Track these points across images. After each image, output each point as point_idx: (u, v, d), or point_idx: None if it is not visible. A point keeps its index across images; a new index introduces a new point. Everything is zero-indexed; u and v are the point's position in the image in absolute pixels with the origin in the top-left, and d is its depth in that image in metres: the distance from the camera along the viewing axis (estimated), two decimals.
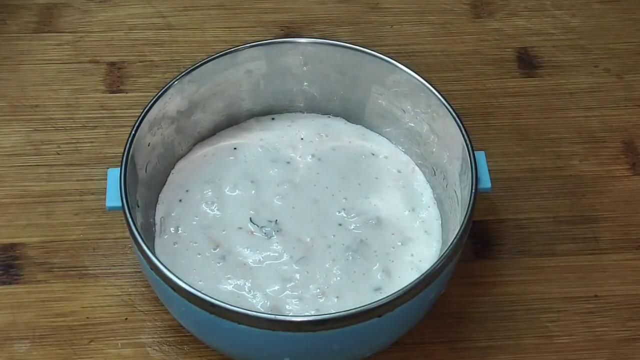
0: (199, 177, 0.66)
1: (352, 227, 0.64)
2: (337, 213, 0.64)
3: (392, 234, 0.64)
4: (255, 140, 0.69)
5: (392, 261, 0.62)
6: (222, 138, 0.69)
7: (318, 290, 0.61)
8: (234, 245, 0.63)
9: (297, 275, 0.61)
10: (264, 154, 0.68)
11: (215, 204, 0.65)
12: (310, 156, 0.68)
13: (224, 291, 0.60)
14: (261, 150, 0.68)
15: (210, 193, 0.65)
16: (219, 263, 0.62)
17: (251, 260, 0.62)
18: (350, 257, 0.62)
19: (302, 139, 0.69)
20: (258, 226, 0.63)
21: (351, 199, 0.65)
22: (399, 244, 0.63)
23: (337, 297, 0.60)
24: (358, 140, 0.69)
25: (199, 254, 0.62)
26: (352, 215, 0.64)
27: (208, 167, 0.67)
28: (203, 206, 0.65)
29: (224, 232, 0.63)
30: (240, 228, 0.63)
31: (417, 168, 0.68)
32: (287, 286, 0.61)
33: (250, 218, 0.64)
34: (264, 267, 0.62)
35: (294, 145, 0.69)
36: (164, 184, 0.66)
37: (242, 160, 0.68)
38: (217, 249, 0.63)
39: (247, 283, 0.61)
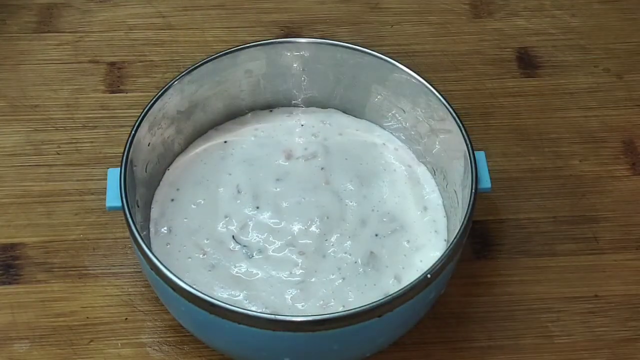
0: (189, 175, 0.66)
1: (363, 235, 0.63)
2: (342, 220, 0.64)
3: (407, 240, 0.63)
4: (249, 133, 0.68)
5: (403, 268, 0.62)
6: (217, 133, 0.69)
7: (322, 302, 0.60)
8: (219, 257, 0.62)
9: (298, 291, 0.61)
10: (258, 147, 0.68)
11: (203, 205, 0.64)
12: (312, 145, 0.67)
13: (219, 297, 0.59)
14: (256, 143, 0.68)
15: (198, 192, 0.65)
16: (209, 270, 0.61)
17: (242, 274, 0.61)
18: (361, 270, 0.62)
19: (302, 125, 0.69)
20: (240, 245, 0.62)
21: (361, 201, 0.65)
22: (412, 249, 0.63)
23: (343, 305, 0.60)
24: (364, 132, 0.69)
25: (190, 258, 0.62)
26: (363, 219, 0.64)
27: (199, 164, 0.67)
28: (192, 207, 0.65)
29: (207, 242, 0.63)
30: (222, 242, 0.63)
31: (422, 165, 0.68)
32: (288, 298, 0.60)
33: (233, 236, 0.63)
34: (258, 280, 0.61)
35: (292, 134, 0.68)
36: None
37: (233, 155, 0.67)
38: (205, 256, 0.62)
39: (242, 294, 0.60)
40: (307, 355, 0.58)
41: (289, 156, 0.67)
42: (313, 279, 0.61)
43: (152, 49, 0.80)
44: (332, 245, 0.62)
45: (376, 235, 0.63)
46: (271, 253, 0.62)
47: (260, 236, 0.63)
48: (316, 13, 0.83)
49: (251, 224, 0.63)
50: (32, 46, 0.80)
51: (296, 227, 0.63)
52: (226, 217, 0.63)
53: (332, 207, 0.64)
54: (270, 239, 0.62)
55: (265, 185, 0.65)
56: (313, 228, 0.63)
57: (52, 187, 0.71)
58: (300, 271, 0.61)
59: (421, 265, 0.61)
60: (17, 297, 0.65)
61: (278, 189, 0.65)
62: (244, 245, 0.62)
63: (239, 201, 0.64)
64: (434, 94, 0.63)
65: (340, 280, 0.61)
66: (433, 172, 0.67)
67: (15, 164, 0.72)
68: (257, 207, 0.64)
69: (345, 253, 0.62)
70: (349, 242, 0.62)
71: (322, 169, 0.66)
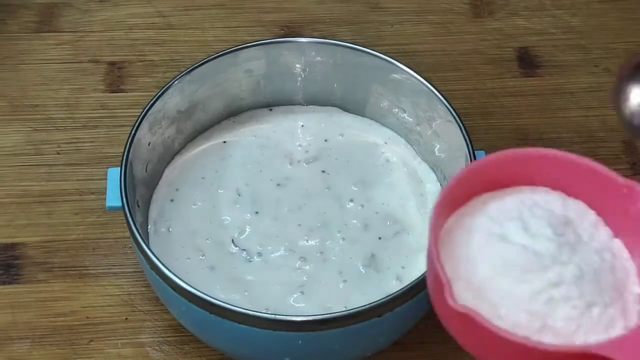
0: (189, 175, 0.66)
1: (365, 239, 0.63)
2: (344, 224, 0.63)
3: (410, 241, 0.63)
4: (249, 133, 0.68)
5: (405, 269, 0.61)
6: (217, 133, 0.68)
7: (323, 304, 0.60)
8: (218, 259, 0.62)
9: (299, 294, 0.61)
10: (258, 148, 0.67)
11: (202, 207, 0.64)
12: (313, 147, 0.67)
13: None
14: (256, 144, 0.68)
15: (197, 194, 0.65)
16: (209, 271, 0.61)
17: (242, 277, 0.61)
18: (363, 272, 0.62)
19: (302, 125, 0.69)
20: (239, 248, 0.62)
21: (364, 204, 0.64)
22: (415, 250, 0.62)
23: (345, 307, 0.59)
24: (365, 132, 0.69)
25: (189, 259, 0.62)
26: (366, 223, 0.64)
27: (198, 165, 0.66)
28: (192, 207, 0.65)
29: (206, 243, 0.62)
30: (222, 244, 0.62)
31: (424, 163, 0.67)
32: (289, 300, 0.60)
33: (232, 240, 0.62)
34: (258, 282, 0.61)
35: (293, 135, 0.68)
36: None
37: (233, 157, 0.67)
38: (204, 257, 0.62)
39: (241, 296, 0.60)
40: (307, 355, 0.58)
41: (289, 160, 0.67)
42: (314, 283, 0.61)
43: (152, 48, 0.80)
44: (334, 249, 0.62)
45: (379, 238, 0.63)
46: (271, 257, 0.62)
47: (259, 241, 0.62)
48: (316, 13, 0.83)
49: (251, 229, 0.63)
50: (32, 46, 0.80)
51: (297, 234, 0.63)
52: (225, 220, 0.63)
53: (334, 213, 0.64)
54: (270, 244, 0.62)
55: (265, 190, 0.65)
56: (314, 234, 0.63)
57: (52, 187, 0.71)
58: (301, 275, 0.61)
59: (424, 266, 0.61)
60: (17, 296, 0.65)
61: (278, 194, 0.65)
62: (243, 249, 0.62)
63: (238, 205, 0.64)
64: (435, 93, 0.63)
65: (342, 284, 0.61)
66: (434, 172, 0.66)
67: (16, 164, 0.72)
68: (257, 212, 0.64)
69: (347, 257, 0.62)
70: (350, 246, 0.62)
71: (323, 172, 0.66)
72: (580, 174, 0.47)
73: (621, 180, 0.46)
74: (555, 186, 0.48)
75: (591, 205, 0.47)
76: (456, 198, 0.47)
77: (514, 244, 0.44)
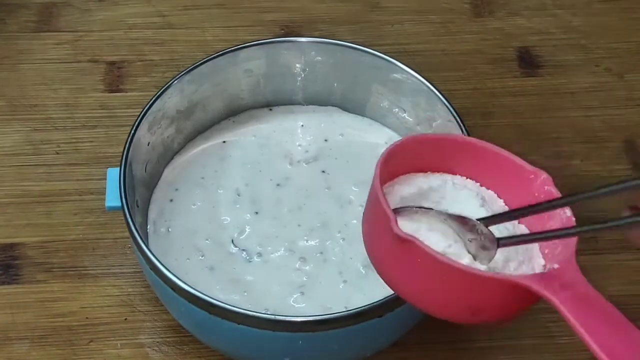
0: (188, 176, 0.66)
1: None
2: (344, 224, 0.63)
3: None
4: (248, 133, 0.68)
5: None
6: (217, 132, 0.68)
7: (323, 304, 0.60)
8: (218, 259, 0.62)
9: (299, 294, 0.60)
10: (258, 148, 0.67)
11: (201, 207, 0.64)
12: (313, 147, 0.67)
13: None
14: (255, 144, 0.67)
15: (197, 194, 0.65)
16: (208, 272, 0.61)
17: (242, 277, 0.61)
18: (363, 272, 0.61)
19: (302, 125, 0.69)
20: (239, 248, 0.62)
21: (364, 203, 0.64)
22: None
23: (345, 307, 0.59)
24: (365, 132, 0.69)
25: (188, 259, 0.62)
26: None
27: (198, 165, 0.66)
28: (192, 207, 0.64)
29: (205, 243, 0.62)
30: (221, 244, 0.62)
31: None
32: (289, 300, 0.60)
33: (232, 240, 0.62)
34: (258, 283, 0.61)
35: (293, 134, 0.68)
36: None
37: (233, 157, 0.67)
38: (204, 257, 0.62)
39: (241, 296, 0.60)
40: (307, 355, 0.58)
41: (289, 160, 0.66)
42: (314, 283, 0.60)
43: (151, 48, 0.79)
44: (334, 249, 0.62)
45: None
46: (271, 257, 0.62)
47: (259, 241, 0.62)
48: (316, 12, 0.83)
49: (251, 229, 0.63)
50: (31, 45, 0.79)
51: (296, 234, 0.63)
52: (225, 221, 0.63)
53: (334, 213, 0.63)
54: (270, 244, 0.62)
55: (265, 190, 0.65)
56: (314, 234, 0.62)
57: (51, 187, 0.71)
58: (301, 276, 0.61)
59: None
60: (17, 297, 0.65)
61: (278, 194, 0.65)
62: (243, 249, 0.62)
63: (238, 205, 0.64)
64: (435, 93, 0.63)
65: (342, 284, 0.61)
66: None
67: (15, 164, 0.72)
68: (256, 213, 0.64)
69: (347, 257, 0.62)
70: (350, 246, 0.62)
71: (323, 172, 0.66)
72: (493, 163, 0.51)
73: (529, 167, 0.51)
74: (469, 173, 0.52)
75: (500, 192, 0.52)
76: (388, 172, 0.51)
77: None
